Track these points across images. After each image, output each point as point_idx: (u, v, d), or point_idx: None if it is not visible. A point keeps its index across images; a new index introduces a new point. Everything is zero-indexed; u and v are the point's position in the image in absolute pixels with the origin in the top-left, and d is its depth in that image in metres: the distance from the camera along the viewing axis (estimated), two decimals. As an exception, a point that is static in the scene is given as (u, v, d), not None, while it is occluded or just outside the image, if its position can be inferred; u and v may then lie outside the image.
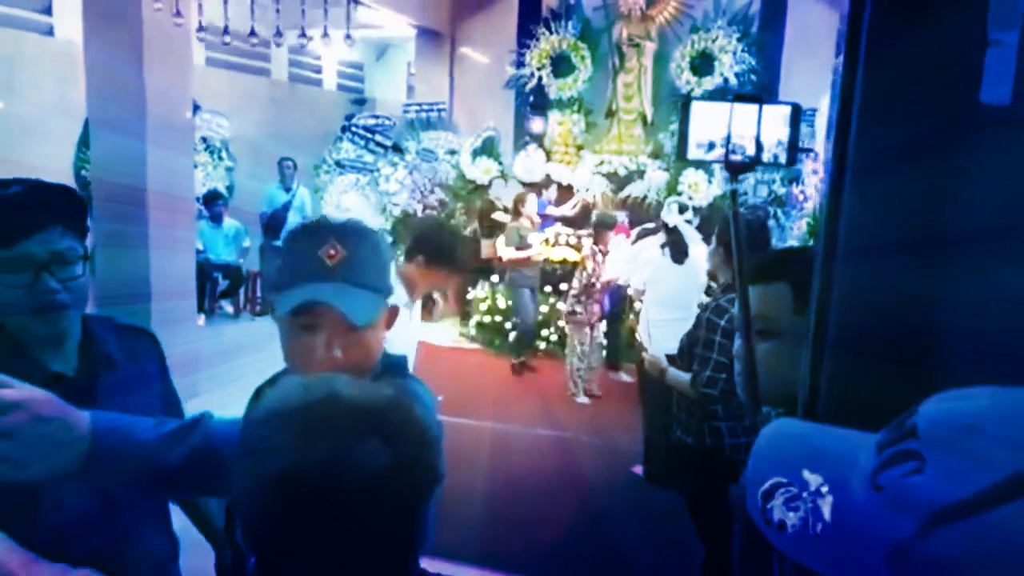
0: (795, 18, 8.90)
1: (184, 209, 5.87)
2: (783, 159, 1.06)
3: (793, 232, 7.94)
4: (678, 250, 4.64)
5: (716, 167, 8.15)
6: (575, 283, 6.35)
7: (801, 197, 7.15)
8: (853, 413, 0.67)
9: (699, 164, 8.00)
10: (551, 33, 9.09)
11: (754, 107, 1.05)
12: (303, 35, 6.94)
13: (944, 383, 0.59)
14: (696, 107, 1.04)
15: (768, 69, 8.71)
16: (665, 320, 4.20)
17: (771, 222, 7.40)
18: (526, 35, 9.27)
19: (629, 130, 8.97)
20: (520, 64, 9.27)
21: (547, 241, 8.03)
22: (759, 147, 1.04)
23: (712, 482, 3.04)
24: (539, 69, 9.10)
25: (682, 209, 5.20)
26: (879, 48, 0.81)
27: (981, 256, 0.88)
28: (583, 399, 6.42)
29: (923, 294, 0.87)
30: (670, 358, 3.31)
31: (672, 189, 8.08)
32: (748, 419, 2.88)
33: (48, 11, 8.14)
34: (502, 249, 7.22)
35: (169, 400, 1.66)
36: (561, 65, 9.06)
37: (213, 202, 8.48)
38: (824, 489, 0.57)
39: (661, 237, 4.97)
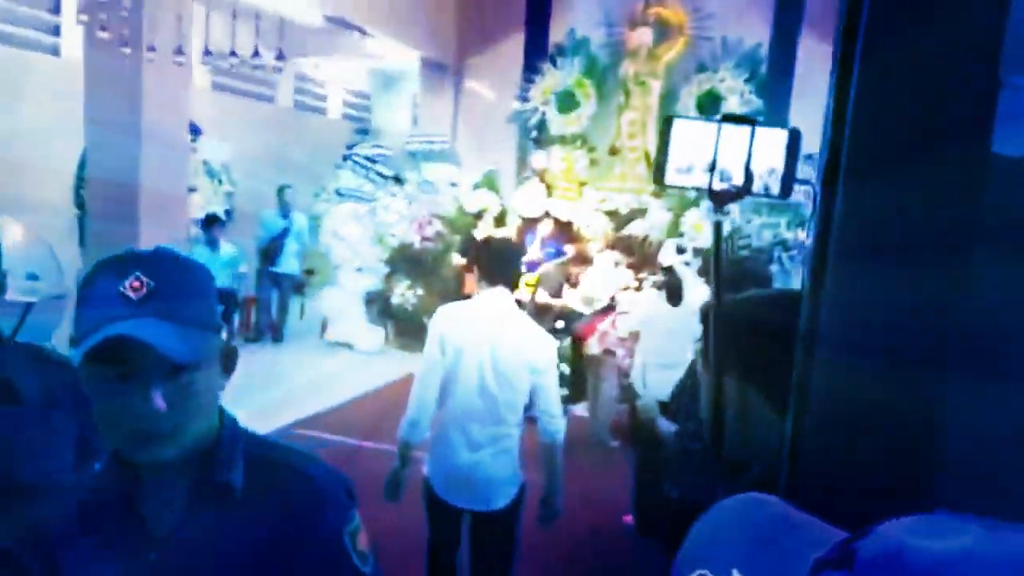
0: (805, 60, 8.85)
1: (177, 228, 5.77)
2: (775, 190, 0.92)
3: (798, 277, 7.80)
4: (673, 291, 4.49)
5: (731, 208, 8.04)
6: (619, 324, 6.08)
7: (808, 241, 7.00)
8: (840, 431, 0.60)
9: (699, 203, 7.88)
10: (556, 68, 9.05)
11: (745, 129, 0.91)
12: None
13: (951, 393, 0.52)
14: (679, 126, 0.90)
15: (776, 111, 8.64)
16: (658, 365, 4.05)
17: (774, 267, 7.26)
18: (531, 70, 9.24)
19: (632, 168, 8.88)
20: (524, 99, 9.23)
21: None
22: (748, 175, 0.90)
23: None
24: (543, 104, 9.05)
25: (680, 250, 5.07)
26: (874, 51, 0.72)
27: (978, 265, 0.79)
28: (614, 442, 6.19)
29: (918, 302, 0.78)
30: (662, 406, 3.14)
31: (673, 230, 7.96)
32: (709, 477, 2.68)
33: (56, 31, 8.13)
34: (540, 294, 6.90)
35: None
36: (565, 100, 9.00)
37: (211, 226, 8.37)
38: None
39: (658, 277, 4.85)
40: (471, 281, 8.41)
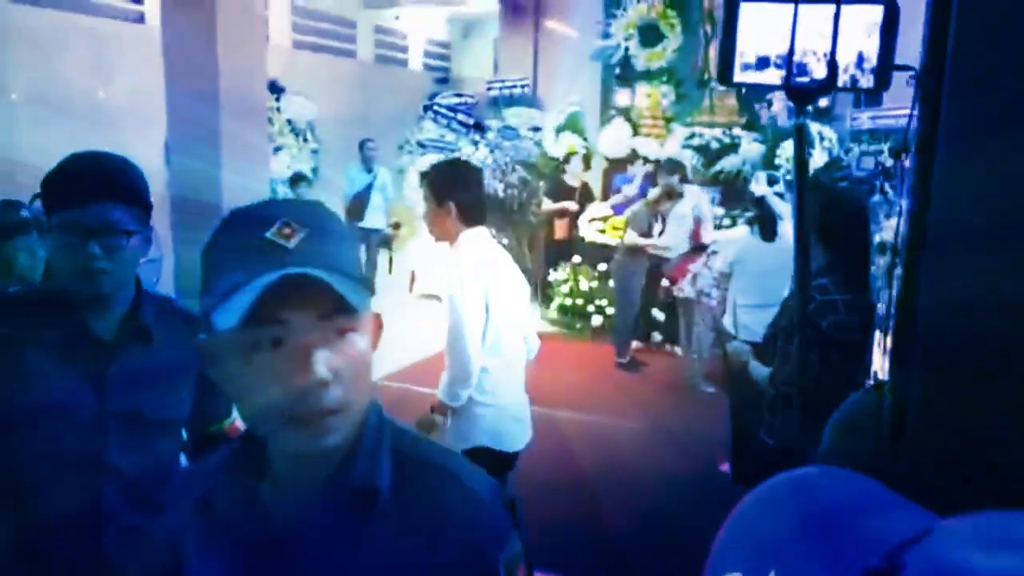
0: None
1: (257, 191, 5.83)
2: (866, 83, 0.74)
3: (902, 209, 7.25)
4: (767, 226, 4.20)
5: (823, 135, 7.52)
6: (713, 264, 5.79)
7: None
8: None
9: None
10: (638, 1, 8.64)
11: (828, 8, 0.72)
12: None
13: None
14: (747, 10, 0.71)
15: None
16: (752, 306, 3.81)
17: (877, 197, 6.78)
18: (613, 4, 8.87)
19: (722, 100, 8.44)
20: (606, 35, 8.88)
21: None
22: (833, 66, 0.72)
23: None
24: (626, 39, 8.68)
25: (772, 181, 4.74)
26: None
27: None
28: (709, 387, 6.03)
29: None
30: (756, 348, 2.95)
31: (769, 162, 7.54)
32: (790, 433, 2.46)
33: (139, -1, 8.30)
34: (629, 235, 6.57)
35: (210, 391, 1.66)
36: (649, 34, 8.60)
37: (297, 184, 8.49)
38: None
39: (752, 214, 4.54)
40: (562, 227, 8.26)
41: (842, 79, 0.75)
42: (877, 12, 0.74)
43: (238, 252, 0.81)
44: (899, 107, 7.65)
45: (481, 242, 2.77)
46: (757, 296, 3.97)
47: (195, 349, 0.87)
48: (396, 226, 9.49)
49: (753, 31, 0.75)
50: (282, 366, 0.79)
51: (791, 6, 0.73)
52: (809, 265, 0.76)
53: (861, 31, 0.75)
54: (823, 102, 7.87)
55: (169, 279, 5.27)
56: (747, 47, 0.75)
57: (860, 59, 0.75)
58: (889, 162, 7.17)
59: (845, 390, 2.65)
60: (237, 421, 1.86)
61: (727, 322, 3.80)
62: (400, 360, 6.34)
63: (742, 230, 4.48)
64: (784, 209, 4.41)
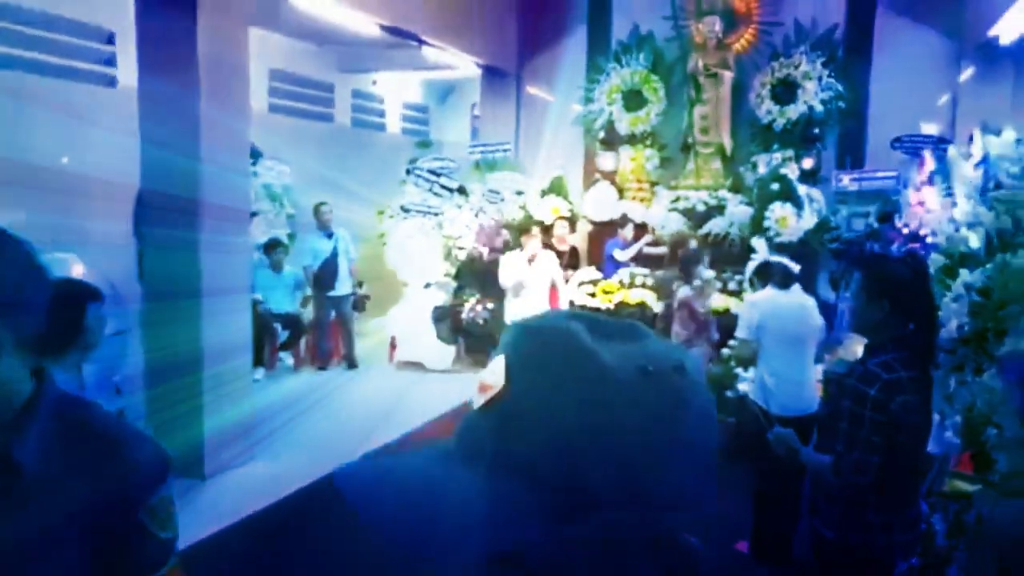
0: (883, 39, 8.30)
1: (241, 254, 5.58)
2: None
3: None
4: (782, 277, 4.05)
5: (811, 196, 7.46)
6: (683, 323, 5.66)
7: (906, 231, 6.40)
8: None
9: (787, 196, 7.30)
10: (621, 67, 8.69)
11: None
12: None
13: None
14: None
15: (856, 94, 8.09)
16: (784, 378, 3.59)
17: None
18: (595, 70, 8.92)
19: (707, 164, 8.44)
20: (588, 100, 8.89)
21: (621, 283, 7.51)
22: None
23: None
24: (609, 104, 8.69)
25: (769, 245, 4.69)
26: None
27: None
28: None
29: None
30: (789, 423, 2.74)
31: (757, 224, 7.46)
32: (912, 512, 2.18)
33: (111, 62, 8.08)
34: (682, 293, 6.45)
35: (138, 537, 1.15)
36: (632, 99, 8.62)
37: (273, 250, 8.20)
38: None
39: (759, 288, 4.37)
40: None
41: None
42: None
43: None
44: (880, 170, 7.67)
45: None
46: (787, 364, 3.76)
47: None
48: (360, 284, 9.17)
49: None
50: None
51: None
52: None
53: None
54: (808, 163, 7.89)
55: (139, 353, 4.95)
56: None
57: None
58: (877, 224, 7.13)
59: (911, 476, 2.44)
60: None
61: (756, 396, 3.58)
62: (394, 430, 5.95)
63: (765, 292, 4.27)
64: (790, 263, 4.29)
